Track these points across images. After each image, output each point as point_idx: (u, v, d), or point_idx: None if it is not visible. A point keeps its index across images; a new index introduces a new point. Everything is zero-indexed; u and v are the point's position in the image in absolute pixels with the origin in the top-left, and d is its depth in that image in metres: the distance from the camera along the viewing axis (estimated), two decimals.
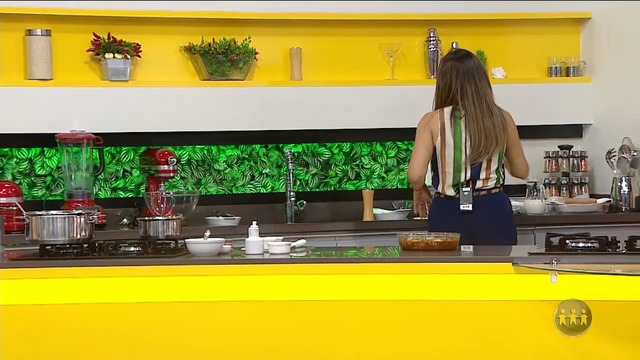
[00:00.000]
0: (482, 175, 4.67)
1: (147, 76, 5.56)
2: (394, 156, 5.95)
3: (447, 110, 4.70)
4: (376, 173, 5.92)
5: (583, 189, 5.89)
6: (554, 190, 5.90)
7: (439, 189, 4.70)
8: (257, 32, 5.67)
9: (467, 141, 4.65)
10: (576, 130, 6.05)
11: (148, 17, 5.49)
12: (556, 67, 6.01)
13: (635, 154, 5.67)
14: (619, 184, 5.70)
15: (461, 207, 4.63)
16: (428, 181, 4.83)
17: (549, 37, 6.01)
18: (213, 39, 5.60)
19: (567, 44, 6.04)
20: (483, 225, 4.64)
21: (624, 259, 3.78)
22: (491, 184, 4.70)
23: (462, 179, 4.66)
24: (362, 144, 5.90)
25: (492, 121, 4.66)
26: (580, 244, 3.86)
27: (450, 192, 4.67)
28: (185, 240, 4.08)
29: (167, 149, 5.51)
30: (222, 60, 5.56)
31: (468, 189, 4.64)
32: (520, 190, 5.64)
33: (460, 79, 4.68)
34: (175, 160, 5.44)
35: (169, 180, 5.54)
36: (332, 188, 5.88)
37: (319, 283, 3.88)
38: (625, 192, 5.68)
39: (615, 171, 5.72)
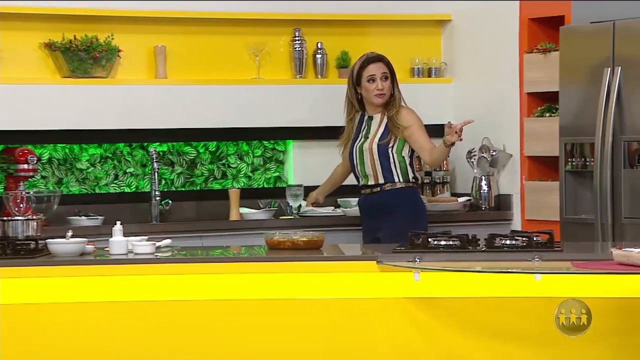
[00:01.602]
0: None
1: (5, 73, 5.40)
2: (260, 155, 5.95)
3: None
4: (242, 172, 5.91)
5: (445, 188, 6.02)
6: None
7: (418, 177, 5.19)
8: (120, 30, 5.59)
9: None
10: (438, 130, 6.17)
11: (5, 12, 5.34)
12: (418, 68, 6.12)
13: (494, 153, 5.83)
14: (479, 183, 5.85)
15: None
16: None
17: (411, 38, 6.12)
18: (74, 35, 5.49)
19: (428, 45, 6.16)
20: None
21: (484, 257, 3.88)
22: None
23: None
24: (229, 143, 5.88)
25: None
26: (442, 242, 3.95)
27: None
28: (47, 240, 4.00)
29: (27, 147, 5.38)
30: (84, 57, 5.46)
31: None
32: None
33: None
34: (35, 159, 5.32)
35: (29, 179, 5.41)
36: (198, 187, 5.84)
37: (185, 283, 3.85)
38: (485, 191, 5.83)
39: (475, 170, 5.86)
